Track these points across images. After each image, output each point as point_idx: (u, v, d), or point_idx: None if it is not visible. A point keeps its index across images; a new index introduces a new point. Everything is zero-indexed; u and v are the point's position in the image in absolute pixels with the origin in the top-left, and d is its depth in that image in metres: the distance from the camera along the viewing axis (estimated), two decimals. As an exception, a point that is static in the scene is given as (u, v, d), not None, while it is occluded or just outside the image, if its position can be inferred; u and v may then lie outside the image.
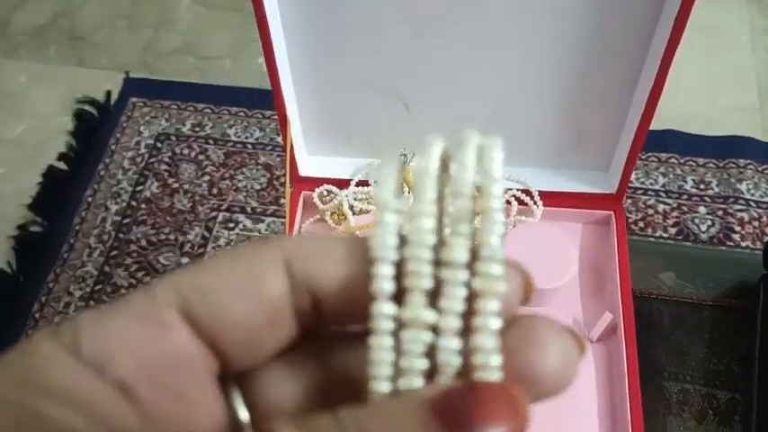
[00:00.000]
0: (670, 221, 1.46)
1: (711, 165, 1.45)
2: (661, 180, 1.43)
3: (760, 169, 1.44)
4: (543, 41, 0.54)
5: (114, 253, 1.32)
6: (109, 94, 1.56)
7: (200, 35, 1.66)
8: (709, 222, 1.38)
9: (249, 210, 1.38)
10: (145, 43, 1.66)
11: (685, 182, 1.43)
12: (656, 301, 0.60)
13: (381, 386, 0.20)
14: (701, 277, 0.61)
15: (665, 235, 1.13)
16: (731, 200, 1.44)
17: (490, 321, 0.20)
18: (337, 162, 0.64)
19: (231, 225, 1.36)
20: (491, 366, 0.20)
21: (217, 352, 0.22)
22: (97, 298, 1.27)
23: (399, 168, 0.23)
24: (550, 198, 0.62)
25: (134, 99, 1.56)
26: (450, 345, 0.20)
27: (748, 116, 1.55)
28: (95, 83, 1.58)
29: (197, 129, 1.49)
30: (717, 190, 1.43)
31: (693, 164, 1.45)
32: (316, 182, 0.63)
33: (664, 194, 1.43)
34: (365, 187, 0.62)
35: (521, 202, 0.61)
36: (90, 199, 1.40)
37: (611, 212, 0.61)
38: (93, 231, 1.36)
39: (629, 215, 1.41)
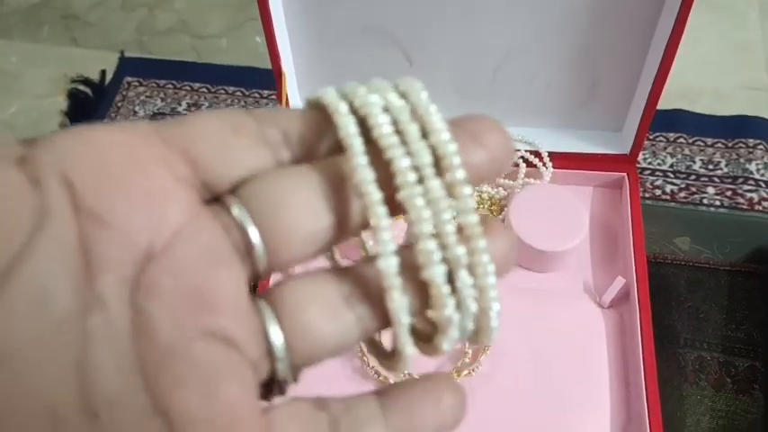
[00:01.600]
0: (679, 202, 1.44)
1: (720, 144, 1.42)
2: (669, 160, 1.40)
3: (770, 149, 1.41)
4: (553, -12, 0.51)
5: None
6: (103, 73, 1.53)
7: (196, 13, 1.63)
8: (718, 203, 1.35)
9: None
10: (139, 22, 1.62)
11: (694, 162, 1.40)
12: (671, 266, 0.57)
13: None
14: (717, 242, 0.58)
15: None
16: (740, 180, 1.40)
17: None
18: (335, 122, 0.61)
19: (228, 206, 1.32)
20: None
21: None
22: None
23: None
24: (560, 159, 0.59)
25: (129, 78, 1.53)
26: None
27: (758, 95, 1.51)
28: (89, 63, 1.55)
29: (193, 108, 1.46)
30: (726, 170, 1.39)
31: (702, 144, 1.42)
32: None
33: (672, 175, 1.39)
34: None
35: (529, 164, 0.58)
36: (84, 179, 1.37)
37: (625, 174, 0.58)
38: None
39: (636, 196, 1.38)
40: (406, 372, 0.49)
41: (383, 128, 0.20)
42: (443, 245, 0.20)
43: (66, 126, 1.44)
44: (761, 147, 1.47)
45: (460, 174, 0.20)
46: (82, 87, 1.51)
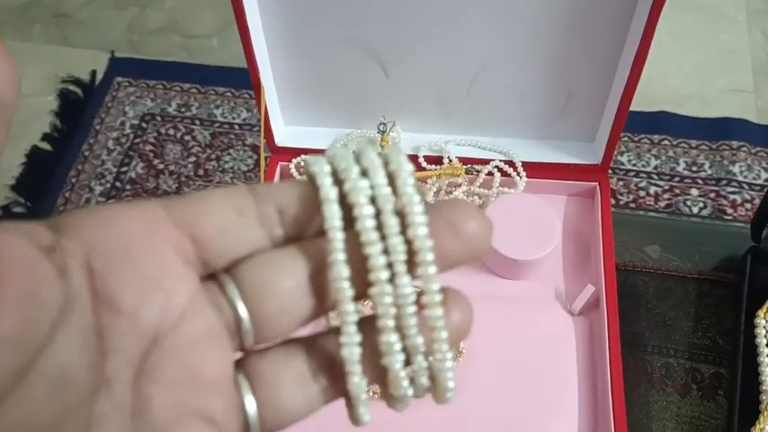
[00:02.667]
0: (662, 203, 1.45)
1: (704, 147, 1.43)
2: (653, 162, 1.42)
3: (753, 151, 1.43)
4: (529, 3, 0.52)
5: (98, 234, 1.30)
6: (94, 73, 1.54)
7: (187, 13, 1.64)
8: (701, 204, 1.36)
9: (236, 191, 1.35)
10: (130, 21, 1.63)
11: (677, 164, 1.42)
12: (640, 274, 0.58)
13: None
14: (687, 250, 0.59)
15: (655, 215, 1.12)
16: (724, 182, 1.42)
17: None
18: (315, 132, 0.63)
19: (217, 206, 1.33)
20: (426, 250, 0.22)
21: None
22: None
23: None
24: (534, 169, 0.60)
25: (119, 79, 1.54)
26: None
27: (743, 98, 1.53)
28: (80, 62, 1.56)
29: (183, 109, 1.47)
30: (709, 172, 1.41)
31: (686, 146, 1.44)
32: (293, 152, 0.61)
33: (656, 176, 1.41)
34: (343, 157, 0.61)
35: (503, 174, 0.60)
36: (74, 180, 1.38)
37: (596, 184, 0.59)
38: (77, 212, 1.34)
39: (621, 197, 1.39)
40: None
41: (366, 221, 0.22)
42: (405, 335, 0.22)
43: (56, 127, 1.45)
44: (744, 149, 1.48)
45: (432, 269, 0.22)
46: (72, 87, 1.52)
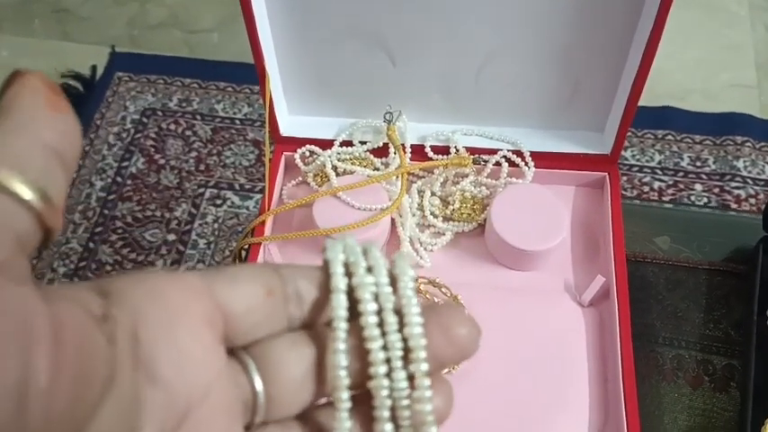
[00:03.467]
0: (666, 198, 1.45)
1: (708, 142, 1.43)
2: (657, 157, 1.41)
3: (757, 146, 1.42)
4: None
5: (99, 229, 1.30)
6: (94, 68, 1.53)
7: (188, 8, 1.63)
8: (706, 200, 1.36)
9: (237, 186, 1.35)
10: (131, 16, 1.62)
11: (682, 159, 1.41)
12: (650, 265, 0.57)
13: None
14: (697, 241, 0.58)
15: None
16: (728, 177, 1.42)
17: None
18: (320, 122, 0.62)
19: (219, 202, 1.33)
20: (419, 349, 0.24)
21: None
22: (81, 275, 1.24)
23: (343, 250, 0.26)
24: (543, 159, 0.59)
25: (120, 74, 1.53)
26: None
27: (746, 93, 1.53)
28: (81, 57, 1.55)
29: (184, 104, 1.46)
30: (713, 167, 1.41)
31: (690, 141, 1.43)
32: (298, 142, 0.60)
33: (660, 171, 1.41)
34: (349, 147, 0.60)
35: (511, 164, 0.59)
36: (75, 175, 1.37)
37: (606, 174, 0.59)
38: (78, 207, 1.33)
39: (625, 192, 1.39)
40: None
41: (369, 317, 0.24)
42: (398, 425, 0.24)
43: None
44: (748, 144, 1.48)
45: (423, 366, 0.24)
46: (72, 82, 1.51)
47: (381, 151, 0.61)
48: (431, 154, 0.60)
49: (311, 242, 0.58)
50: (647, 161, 1.40)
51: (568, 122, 0.61)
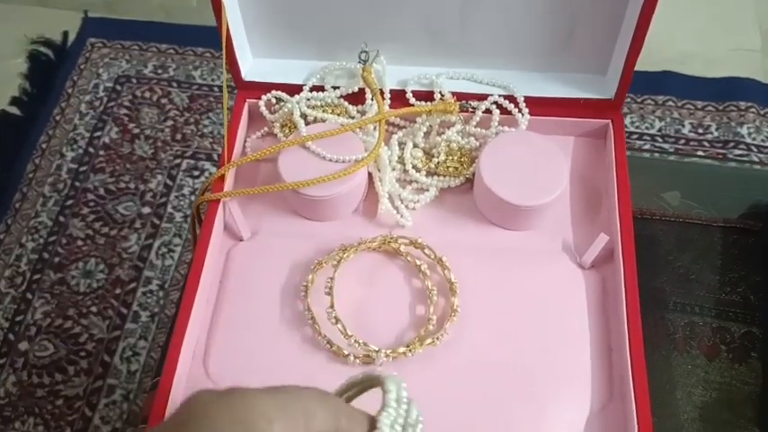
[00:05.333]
0: (666, 169, 1.39)
1: (711, 108, 1.37)
2: (657, 124, 1.35)
3: (762, 112, 1.36)
4: None
5: (70, 202, 1.23)
6: (66, 34, 1.45)
7: (165, -29, 1.55)
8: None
9: (216, 157, 1.28)
10: (105, -20, 1.54)
11: (683, 126, 1.35)
12: (659, 223, 0.51)
13: None
14: (710, 196, 0.52)
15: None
16: (731, 144, 1.36)
17: None
18: (287, 65, 0.54)
19: (196, 173, 1.26)
20: None
21: None
22: (51, 250, 1.17)
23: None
24: (538, 105, 0.52)
25: (92, 40, 1.45)
26: None
27: (750, 57, 1.46)
28: (52, 22, 1.47)
29: (159, 71, 1.39)
30: (716, 134, 1.34)
31: (692, 107, 1.37)
32: (262, 88, 0.54)
33: (660, 139, 1.34)
34: (320, 93, 0.53)
35: (503, 111, 0.52)
36: (44, 145, 1.30)
37: (609, 121, 0.52)
38: (48, 180, 1.26)
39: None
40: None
41: None
42: None
43: (25, 90, 1.37)
44: (752, 110, 1.42)
45: None
46: (43, 49, 1.43)
47: (357, 97, 0.54)
48: (412, 100, 0.54)
49: (277, 199, 0.52)
50: (647, 128, 1.33)
51: (567, 64, 0.54)
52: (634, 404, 0.42)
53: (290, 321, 0.47)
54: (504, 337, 0.46)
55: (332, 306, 0.45)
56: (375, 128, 0.52)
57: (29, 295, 1.13)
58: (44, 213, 1.22)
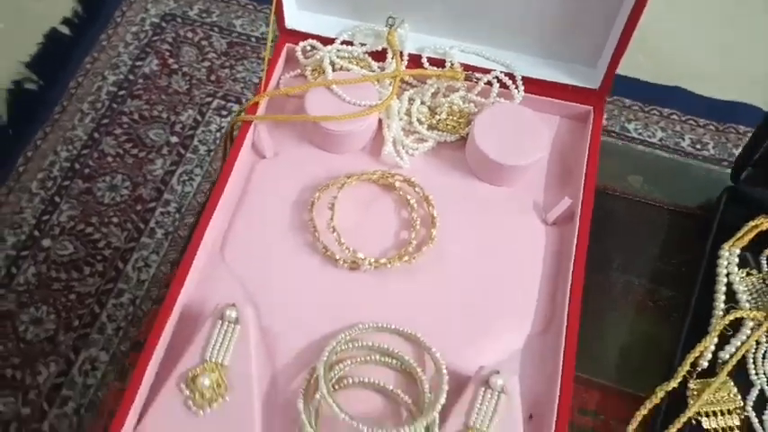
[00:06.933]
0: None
1: (711, 127, 1.44)
2: (659, 134, 1.43)
3: (759, 139, 1.43)
4: None
5: (105, 121, 1.32)
6: (121, -34, 1.54)
7: None
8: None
9: (244, 101, 1.37)
10: None
11: (683, 139, 1.43)
12: (620, 200, 0.60)
13: None
14: (668, 185, 0.61)
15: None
16: (725, 164, 1.44)
17: None
18: (325, 20, 0.63)
19: (224, 113, 1.35)
20: None
21: None
22: (83, 162, 1.27)
23: None
24: (533, 85, 0.61)
25: (145, -25, 1.54)
26: None
27: (758, 85, 1.53)
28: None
29: (204, 15, 1.48)
30: (712, 152, 1.42)
31: (694, 123, 1.45)
32: (301, 36, 0.63)
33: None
34: (349, 47, 0.62)
35: (502, 85, 0.61)
36: (89, 66, 1.39)
37: (591, 108, 0.61)
38: (88, 98, 1.35)
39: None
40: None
41: None
42: None
43: (77, 13, 1.46)
44: (749, 134, 1.48)
45: None
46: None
47: (379, 55, 0.63)
48: (426, 65, 0.62)
49: (300, 130, 0.61)
50: (649, 136, 1.41)
51: (564, 53, 0.63)
52: (564, 334, 0.51)
53: (295, 228, 0.56)
54: (468, 266, 0.55)
55: (332, 218, 0.55)
56: (390, 83, 0.61)
57: (57, 199, 1.23)
58: (80, 128, 1.31)
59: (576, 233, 0.55)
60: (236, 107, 1.36)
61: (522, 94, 0.62)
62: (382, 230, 0.56)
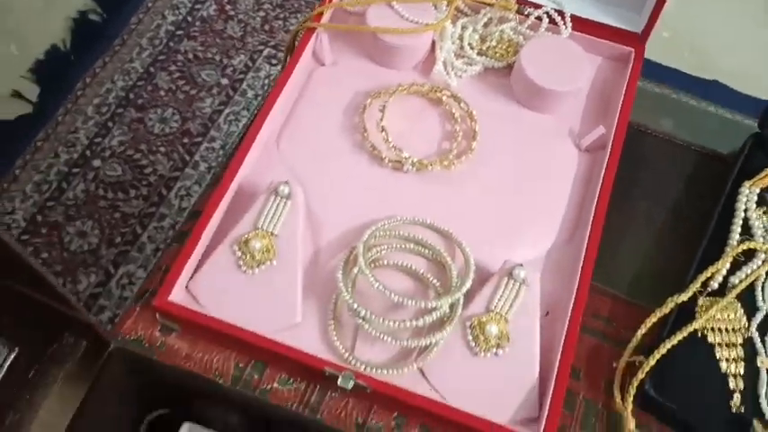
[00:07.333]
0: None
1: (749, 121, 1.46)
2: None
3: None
4: None
5: (162, 57, 1.38)
6: None
7: None
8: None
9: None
10: None
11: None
12: (650, 137, 0.63)
13: None
14: (698, 130, 0.64)
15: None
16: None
17: None
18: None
19: (274, 62, 1.40)
20: None
21: None
22: (137, 92, 1.33)
23: None
24: (580, 24, 0.64)
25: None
26: None
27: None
28: None
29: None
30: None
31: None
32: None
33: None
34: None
35: (551, 21, 0.65)
36: (150, 4, 1.45)
37: (632, 50, 0.64)
38: (147, 34, 1.41)
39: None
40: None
41: None
42: None
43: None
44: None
45: None
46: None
47: (439, -17, 0.67)
48: (482, -5, 0.67)
49: (359, 44, 0.65)
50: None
51: (612, -2, 0.66)
52: (586, 244, 0.55)
53: (346, 128, 0.61)
54: (503, 178, 0.59)
55: (381, 119, 0.59)
56: (447, 7, 0.65)
57: (110, 124, 1.29)
58: (137, 61, 1.37)
59: (607, 160, 0.59)
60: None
61: (570, 31, 0.66)
62: (426, 139, 0.61)
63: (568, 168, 0.61)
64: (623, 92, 0.63)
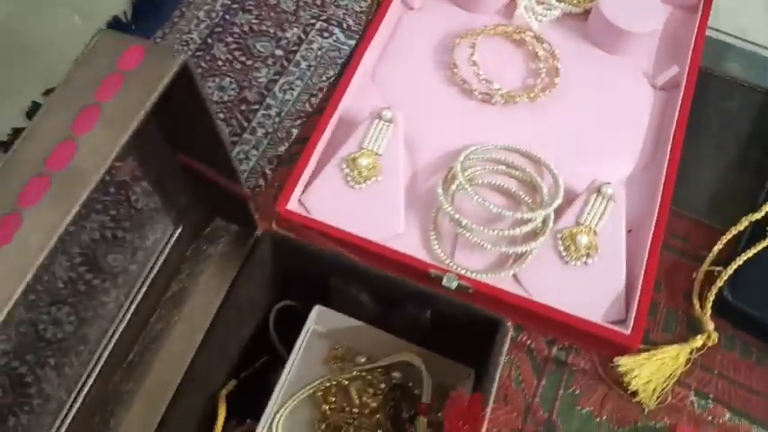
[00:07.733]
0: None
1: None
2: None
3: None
4: None
5: (219, 30, 1.43)
6: None
7: None
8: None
9: (345, 26, 1.47)
10: None
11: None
12: (719, 79, 0.67)
13: None
14: (765, 74, 0.68)
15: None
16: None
17: None
18: None
19: (326, 35, 1.45)
20: None
21: None
22: (195, 63, 1.38)
23: None
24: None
25: None
26: None
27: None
28: None
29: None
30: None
31: None
32: None
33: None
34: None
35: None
36: (206, -20, 1.51)
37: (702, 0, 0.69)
38: (204, 7, 1.47)
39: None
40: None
41: None
42: None
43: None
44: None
45: None
46: None
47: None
48: (560, -54, 0.71)
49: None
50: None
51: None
52: (666, 168, 0.59)
53: (438, 64, 0.65)
54: (585, 110, 0.64)
55: (472, 54, 0.64)
56: (528, -43, 0.69)
57: (172, 91, 1.34)
58: (195, 32, 1.43)
59: (681, 96, 0.63)
60: (336, 30, 1.46)
61: (641, -19, 0.70)
62: (511, 77, 0.65)
63: (645, 103, 0.65)
64: (694, 35, 0.67)
